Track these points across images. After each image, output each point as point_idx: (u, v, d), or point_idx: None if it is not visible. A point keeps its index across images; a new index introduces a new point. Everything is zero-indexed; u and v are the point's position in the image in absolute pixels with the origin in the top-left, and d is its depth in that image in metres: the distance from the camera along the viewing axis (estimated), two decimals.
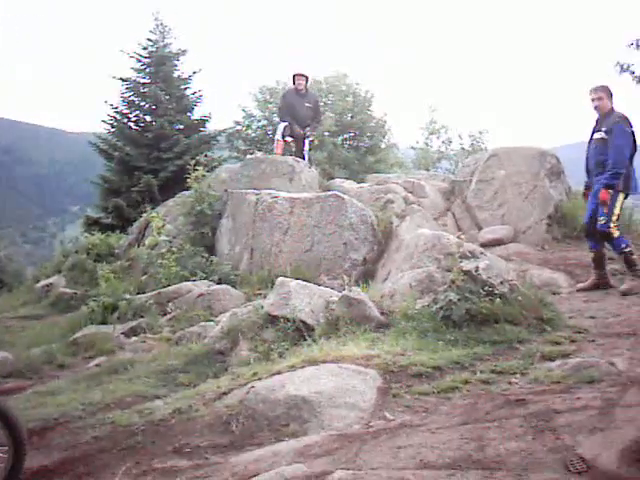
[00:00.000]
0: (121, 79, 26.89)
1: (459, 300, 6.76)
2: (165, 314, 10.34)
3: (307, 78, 15.67)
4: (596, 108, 9.06)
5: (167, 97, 26.53)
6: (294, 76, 15.46)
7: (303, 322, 7.60)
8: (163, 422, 5.63)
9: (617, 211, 8.77)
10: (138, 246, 14.62)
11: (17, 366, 8.70)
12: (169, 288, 11.06)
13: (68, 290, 14.36)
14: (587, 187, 9.41)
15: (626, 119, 8.84)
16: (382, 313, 7.53)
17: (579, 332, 6.71)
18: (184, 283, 11.11)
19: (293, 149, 15.92)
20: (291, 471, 4.04)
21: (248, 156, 18.23)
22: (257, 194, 12.31)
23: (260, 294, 9.80)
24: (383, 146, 35.61)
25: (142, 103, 27.15)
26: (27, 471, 4.91)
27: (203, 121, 28.17)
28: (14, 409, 4.65)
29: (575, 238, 11.44)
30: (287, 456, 4.45)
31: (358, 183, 15.12)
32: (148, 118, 27.04)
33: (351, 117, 34.31)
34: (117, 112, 27.06)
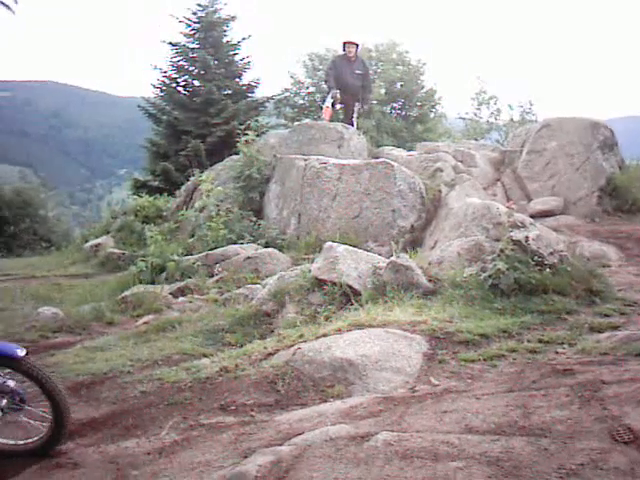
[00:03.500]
0: (170, 44, 26.97)
1: (508, 269, 6.72)
2: (212, 276, 10.45)
3: (357, 46, 15.53)
4: None
5: (216, 62, 26.55)
6: (344, 44, 15.30)
7: (350, 287, 7.61)
8: (210, 380, 5.71)
9: None
10: (186, 209, 14.75)
11: (67, 322, 8.89)
12: (216, 250, 11.16)
13: (116, 250, 14.61)
14: None
15: None
16: (429, 280, 7.49)
17: (629, 305, 6.62)
18: (231, 246, 11.20)
19: (341, 116, 15.87)
20: (336, 431, 4.07)
21: (296, 122, 18.21)
22: (306, 160, 12.30)
23: (307, 259, 9.80)
24: (432, 116, 35.33)
25: (191, 68, 27.22)
26: (76, 423, 5.04)
27: (251, 87, 28.15)
28: (51, 374, 4.75)
29: (627, 211, 11.25)
30: (332, 416, 4.48)
31: (407, 151, 15.03)
32: (197, 83, 27.11)
33: (401, 86, 34.06)
34: (166, 77, 27.20)
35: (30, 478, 4.34)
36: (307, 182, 11.86)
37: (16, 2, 11.42)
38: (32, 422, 4.63)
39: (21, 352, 4.43)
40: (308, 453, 3.79)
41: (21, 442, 4.66)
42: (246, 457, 3.99)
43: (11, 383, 4.51)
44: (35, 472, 4.41)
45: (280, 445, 4.04)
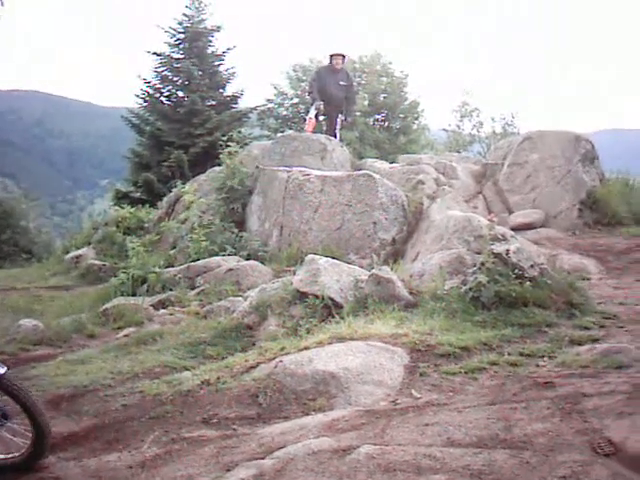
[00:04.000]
0: (155, 54, 26.96)
1: (489, 282, 6.74)
2: (194, 288, 10.41)
3: (344, 57, 15.59)
4: None
5: (200, 73, 26.53)
6: (331, 56, 15.30)
7: (332, 299, 7.61)
8: (191, 393, 5.69)
9: None
10: (168, 220, 14.70)
11: (47, 334, 8.81)
12: (198, 262, 11.13)
13: (97, 262, 14.55)
14: None
15: None
16: (411, 293, 7.51)
17: (608, 318, 6.66)
18: (213, 258, 11.16)
19: (324, 127, 15.89)
20: (318, 444, 4.07)
21: (279, 134, 18.22)
22: (288, 171, 12.29)
23: (289, 271, 9.80)
24: (415, 127, 35.48)
25: (175, 78, 27.21)
26: (57, 436, 5.01)
27: (235, 98, 28.17)
28: (30, 391, 4.72)
29: (606, 224, 11.36)
30: (314, 429, 4.48)
31: (390, 163, 15.06)
32: (180, 93, 27.13)
33: (384, 97, 34.19)
34: (150, 87, 27.19)
35: None
36: (289, 194, 11.85)
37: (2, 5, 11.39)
38: (13, 438, 4.61)
39: (1, 369, 4.40)
40: (290, 466, 3.79)
41: (1, 456, 4.63)
42: (228, 471, 3.99)
43: None
44: None
45: (262, 459, 4.04)
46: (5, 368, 4.44)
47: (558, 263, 8.35)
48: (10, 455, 4.62)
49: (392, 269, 8.18)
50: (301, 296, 7.92)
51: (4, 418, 4.52)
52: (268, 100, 34.73)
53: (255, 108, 30.48)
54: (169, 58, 27.06)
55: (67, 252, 17.17)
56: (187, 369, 6.61)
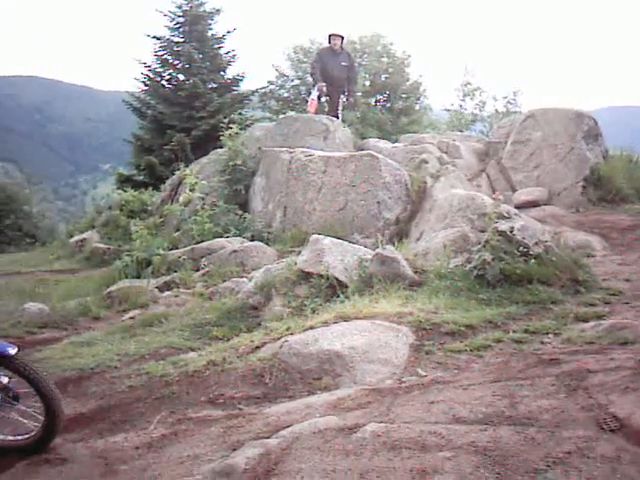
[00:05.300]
0: (155, 37, 26.87)
1: (493, 260, 6.74)
2: (198, 270, 10.41)
3: (343, 38, 15.54)
4: None
5: (201, 56, 26.43)
6: (330, 36, 15.32)
7: (336, 279, 7.61)
8: (197, 373, 5.71)
9: None
10: (171, 203, 14.70)
11: (53, 317, 8.86)
12: (202, 244, 11.14)
13: (102, 245, 14.56)
14: None
15: None
16: (415, 272, 7.50)
17: (613, 294, 6.65)
18: (217, 239, 11.17)
19: (326, 108, 15.86)
20: (324, 422, 4.07)
21: (281, 115, 18.19)
22: (291, 152, 12.28)
23: (293, 251, 9.80)
24: (417, 107, 35.30)
25: (175, 62, 27.12)
26: (64, 418, 5.02)
27: (236, 80, 28.09)
28: (40, 371, 4.69)
29: (610, 201, 11.28)
30: (320, 408, 4.49)
31: (393, 143, 15.01)
32: (181, 77, 27.04)
33: (385, 78, 34.02)
34: (150, 70, 27.12)
35: (19, 474, 4.32)
36: (292, 175, 11.85)
37: None
38: (24, 420, 4.61)
39: (12, 350, 4.40)
40: (296, 445, 3.80)
41: (11, 437, 4.64)
42: (235, 450, 3.99)
43: (4, 380, 4.49)
44: (24, 468, 4.38)
45: (268, 437, 4.05)
46: (16, 349, 4.44)
47: (562, 240, 8.30)
48: (20, 437, 4.63)
49: (396, 248, 8.16)
50: (306, 276, 7.93)
51: (15, 400, 4.52)
52: (269, 82, 34.57)
53: (256, 90, 30.35)
54: (169, 42, 26.98)
55: (71, 236, 17.21)
56: (193, 350, 6.65)
